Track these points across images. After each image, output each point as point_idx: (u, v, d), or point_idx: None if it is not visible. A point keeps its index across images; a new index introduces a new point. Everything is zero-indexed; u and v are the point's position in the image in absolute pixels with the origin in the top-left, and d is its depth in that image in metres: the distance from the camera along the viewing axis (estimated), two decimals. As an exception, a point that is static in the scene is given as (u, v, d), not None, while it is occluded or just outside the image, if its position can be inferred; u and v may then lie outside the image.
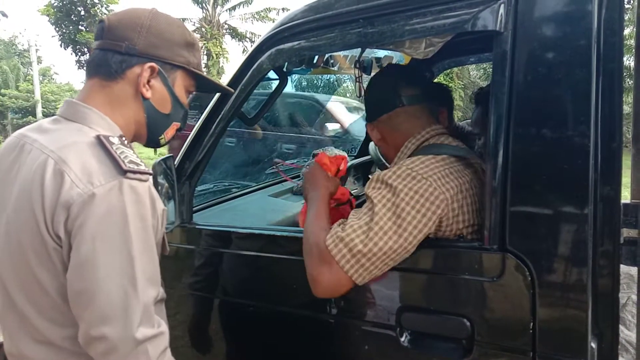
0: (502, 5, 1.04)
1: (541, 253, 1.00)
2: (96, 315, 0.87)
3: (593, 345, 0.98)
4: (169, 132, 1.12)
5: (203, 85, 1.16)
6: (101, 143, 0.92)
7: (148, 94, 1.02)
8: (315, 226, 1.20)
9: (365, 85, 1.58)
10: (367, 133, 3.12)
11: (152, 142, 1.12)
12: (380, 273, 1.09)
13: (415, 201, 1.08)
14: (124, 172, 0.89)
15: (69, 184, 0.87)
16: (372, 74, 2.17)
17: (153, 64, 1.01)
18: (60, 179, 0.87)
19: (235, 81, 1.42)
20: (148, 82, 1.02)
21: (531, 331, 1.01)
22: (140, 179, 0.91)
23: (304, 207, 1.49)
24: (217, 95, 1.46)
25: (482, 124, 1.88)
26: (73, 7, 15.44)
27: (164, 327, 0.96)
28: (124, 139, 0.98)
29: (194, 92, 1.17)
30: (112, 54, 1.00)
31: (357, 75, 2.03)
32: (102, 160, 0.90)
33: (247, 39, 23.74)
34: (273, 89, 1.83)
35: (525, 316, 1.01)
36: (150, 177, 0.95)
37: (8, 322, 0.98)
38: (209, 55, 21.88)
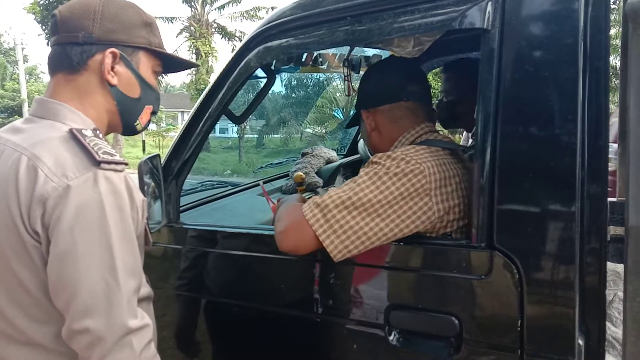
0: (490, 3, 1.04)
1: (529, 251, 1.01)
2: (79, 308, 0.86)
3: (580, 342, 0.98)
4: (144, 117, 1.10)
5: (169, 64, 1.14)
6: (74, 136, 0.91)
7: (114, 80, 1.01)
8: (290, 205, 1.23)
9: (356, 81, 1.58)
10: (357, 132, 3.15)
11: (128, 129, 1.10)
12: (357, 248, 1.08)
13: (404, 180, 1.09)
14: (98, 163, 0.88)
15: (43, 178, 0.86)
16: (361, 72, 2.17)
17: (113, 49, 0.99)
18: (34, 174, 0.86)
19: (222, 79, 1.41)
20: (112, 68, 1.00)
21: (519, 329, 1.01)
22: (115, 169, 0.91)
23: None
24: (205, 93, 1.44)
25: (457, 92, 1.91)
26: (59, 5, 15.30)
27: (148, 320, 0.95)
28: (97, 131, 0.97)
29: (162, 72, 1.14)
30: (71, 46, 0.98)
31: (346, 74, 2.03)
32: (76, 153, 0.90)
33: (237, 38, 23.61)
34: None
35: (513, 314, 1.01)
36: (126, 167, 0.94)
37: None
38: (197, 54, 21.76)
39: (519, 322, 1.01)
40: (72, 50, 0.98)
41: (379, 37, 1.21)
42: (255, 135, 21.00)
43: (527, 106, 1.01)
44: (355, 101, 1.53)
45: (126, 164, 0.94)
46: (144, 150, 20.13)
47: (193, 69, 20.61)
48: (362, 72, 2.23)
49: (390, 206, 1.08)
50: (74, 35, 0.98)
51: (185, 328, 1.59)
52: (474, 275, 1.05)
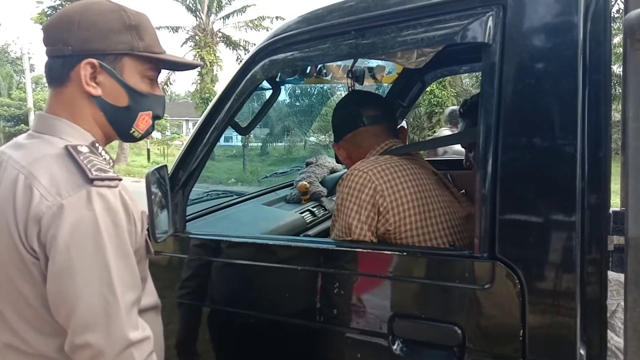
0: (491, 18, 1.06)
1: (530, 261, 1.02)
2: (79, 323, 0.88)
3: (582, 351, 0.99)
4: (141, 124, 1.07)
5: (164, 66, 1.10)
6: (69, 153, 0.92)
7: (96, 91, 0.98)
8: None
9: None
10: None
11: (125, 137, 1.08)
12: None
13: (350, 194, 1.31)
14: (90, 181, 0.89)
15: (38, 197, 0.87)
16: (365, 83, 2.20)
17: (91, 59, 0.96)
18: (30, 193, 0.88)
19: (228, 91, 1.43)
20: (95, 78, 0.98)
21: (521, 338, 1.02)
22: (109, 185, 0.91)
23: None
24: (211, 104, 1.47)
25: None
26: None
27: (149, 332, 0.96)
28: (97, 145, 0.98)
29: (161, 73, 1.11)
30: (54, 59, 0.98)
31: (349, 85, 2.06)
32: (70, 170, 0.90)
33: (241, 47, 23.77)
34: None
35: (515, 323, 1.02)
36: (120, 182, 0.95)
37: (0, 338, 0.98)
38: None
39: (521, 331, 1.02)
40: (55, 63, 0.98)
41: (383, 50, 1.23)
42: (259, 144, 21.06)
43: (528, 118, 1.03)
44: None
45: (120, 180, 0.95)
46: (148, 158, 20.19)
47: (198, 77, 20.72)
48: (365, 83, 2.26)
49: (350, 210, 1.31)
50: (55, 48, 0.97)
51: (191, 336, 1.60)
52: (476, 285, 1.06)
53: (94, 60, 0.97)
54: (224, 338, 1.56)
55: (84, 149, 0.94)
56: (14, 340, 0.95)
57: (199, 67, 1.29)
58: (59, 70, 0.98)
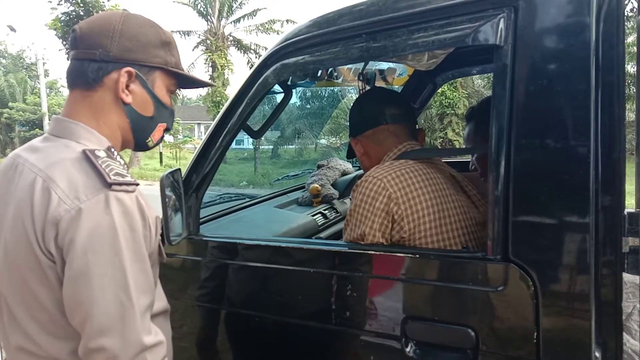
0: (502, 20, 1.06)
1: (544, 263, 1.01)
2: (94, 327, 0.88)
3: (597, 354, 0.98)
4: (156, 135, 1.11)
5: (185, 83, 1.15)
6: (87, 158, 0.92)
7: (128, 99, 1.01)
8: None
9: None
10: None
11: (140, 146, 1.11)
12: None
13: (364, 201, 1.30)
14: (109, 185, 0.89)
15: (56, 201, 0.88)
16: (377, 85, 2.20)
17: (130, 68, 1.00)
18: (48, 196, 0.88)
19: (241, 95, 1.44)
20: (127, 87, 1.01)
21: (535, 341, 1.01)
22: (126, 190, 0.92)
23: None
24: (224, 109, 1.48)
25: (473, 141, 1.92)
26: (79, 22, 15.67)
27: (162, 337, 0.97)
28: (112, 150, 0.99)
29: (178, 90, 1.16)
30: (88, 62, 0.99)
31: (360, 88, 2.07)
32: (88, 174, 0.91)
33: (252, 51, 23.88)
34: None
35: (529, 326, 1.02)
36: (137, 187, 0.96)
37: (13, 341, 0.99)
38: (214, 67, 22.01)
39: (535, 334, 1.01)
40: (89, 66, 0.99)
41: (394, 53, 1.24)
42: (271, 147, 21.13)
43: (541, 119, 1.03)
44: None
45: (137, 184, 0.96)
46: (161, 162, 20.37)
47: (209, 80, 20.83)
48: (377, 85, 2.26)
49: (365, 218, 1.30)
50: (92, 52, 0.98)
51: (204, 338, 1.61)
52: (489, 287, 1.06)
53: (132, 69, 1.00)
54: (237, 339, 1.57)
55: (102, 154, 0.95)
56: (27, 344, 0.96)
57: (209, 80, 1.31)
58: (93, 74, 0.99)
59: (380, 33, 1.22)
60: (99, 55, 0.98)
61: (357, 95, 2.10)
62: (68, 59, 1.07)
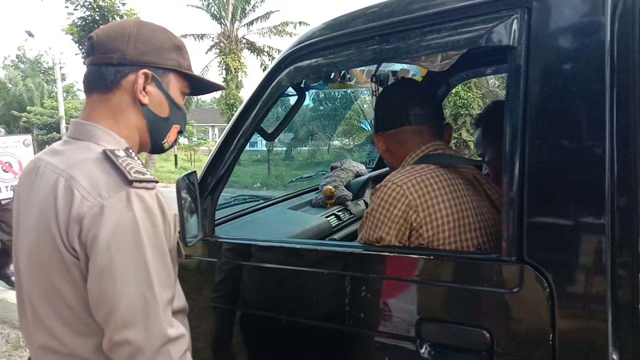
0: (515, 21, 1.05)
1: (559, 264, 1.01)
2: (118, 321, 0.90)
3: (615, 356, 0.97)
4: (171, 136, 1.14)
5: (197, 86, 1.18)
6: (107, 157, 0.95)
7: (145, 99, 1.05)
8: None
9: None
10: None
11: (156, 147, 1.15)
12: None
13: (382, 207, 1.29)
14: (130, 183, 0.92)
15: (79, 199, 0.90)
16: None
17: (146, 70, 1.04)
18: (71, 195, 0.91)
19: (255, 98, 1.46)
20: (144, 88, 1.04)
21: (551, 342, 1.01)
22: (146, 187, 0.94)
23: None
24: (238, 112, 1.50)
25: (482, 145, 1.91)
26: (95, 26, 15.86)
27: (183, 330, 0.99)
28: (130, 150, 1.02)
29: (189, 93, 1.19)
30: (105, 67, 1.03)
31: (373, 89, 2.07)
32: (109, 173, 0.94)
33: (265, 53, 24.00)
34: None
35: (545, 328, 1.01)
36: (157, 185, 0.98)
37: (36, 339, 1.01)
38: (227, 69, 22.17)
39: (551, 335, 1.01)
40: (106, 70, 1.03)
41: (407, 55, 1.24)
42: (284, 148, 21.19)
43: (555, 120, 1.02)
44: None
45: (157, 182, 0.98)
46: (176, 164, 20.55)
47: (223, 84, 20.95)
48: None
49: (381, 223, 1.29)
50: (109, 56, 1.02)
51: (220, 339, 1.63)
52: (504, 288, 1.05)
53: (148, 71, 1.04)
54: (252, 340, 1.58)
55: (121, 153, 0.98)
56: (50, 341, 0.98)
57: (220, 83, 1.34)
58: (110, 77, 1.03)
59: (394, 35, 1.23)
60: (116, 58, 1.02)
61: (370, 97, 2.11)
62: (85, 65, 1.10)
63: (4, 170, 4.53)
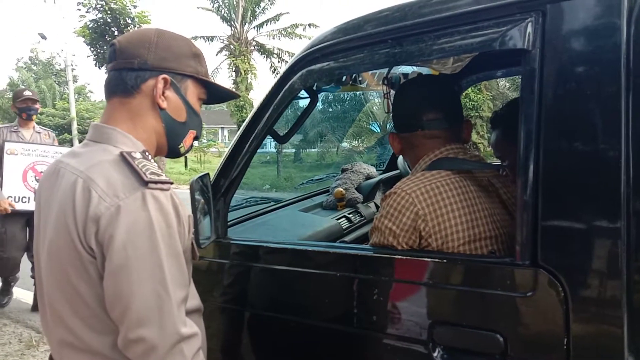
0: (530, 24, 1.05)
1: (573, 268, 1.00)
2: (133, 318, 0.92)
3: (630, 361, 0.97)
4: (187, 141, 1.17)
5: (213, 92, 1.21)
6: (124, 159, 0.98)
7: (164, 104, 1.08)
8: None
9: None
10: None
11: (173, 151, 1.17)
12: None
13: (392, 215, 1.29)
14: (145, 184, 0.94)
15: (96, 199, 0.93)
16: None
17: (165, 75, 1.07)
18: (88, 195, 0.93)
19: (267, 101, 1.47)
20: (163, 93, 1.07)
21: (565, 347, 1.00)
22: (161, 188, 0.97)
23: None
24: (251, 115, 1.51)
25: (502, 146, 1.88)
26: (107, 28, 15.99)
27: (197, 329, 1.01)
28: (147, 153, 1.04)
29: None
30: (126, 72, 1.06)
31: (385, 92, 2.07)
32: (126, 174, 0.96)
33: (275, 55, 24.08)
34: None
35: (559, 332, 1.01)
36: (171, 186, 1.01)
37: (56, 335, 1.04)
38: (237, 71, 22.25)
39: (565, 340, 1.00)
40: (127, 75, 1.06)
41: (420, 58, 1.24)
42: (293, 150, 21.22)
43: (570, 123, 1.01)
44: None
45: (171, 183, 1.01)
46: (186, 166, 20.67)
47: (233, 86, 21.06)
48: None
49: (390, 230, 1.29)
50: (130, 61, 1.06)
51: (236, 340, 1.63)
52: (518, 292, 1.05)
53: (168, 77, 1.08)
54: (265, 342, 1.59)
55: (138, 155, 1.00)
56: (69, 337, 1.00)
57: (235, 91, 1.35)
58: (131, 82, 1.06)
59: (406, 38, 1.23)
60: (137, 64, 1.06)
61: (380, 99, 2.10)
62: (105, 70, 1.12)
63: (37, 180, 4.11)
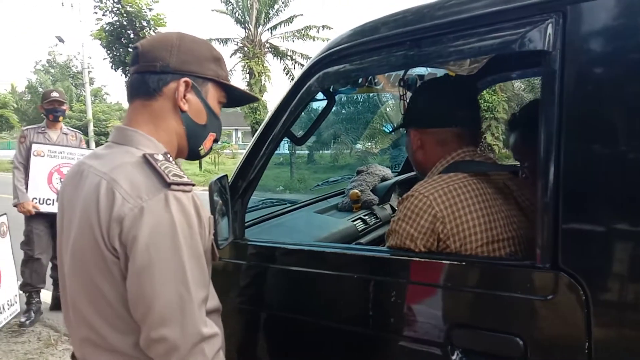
0: (550, 25, 1.05)
1: (595, 271, 0.99)
2: (156, 318, 0.93)
3: (653, 366, 0.96)
4: (207, 143, 1.18)
5: (233, 96, 1.22)
6: (147, 161, 0.99)
7: (185, 107, 1.09)
8: None
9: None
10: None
11: (193, 154, 1.18)
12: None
13: (409, 217, 1.28)
14: (168, 185, 0.95)
15: (120, 200, 0.94)
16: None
17: (187, 78, 1.08)
18: (112, 196, 0.95)
19: (285, 103, 1.48)
20: (184, 95, 1.08)
21: (587, 351, 0.99)
22: (183, 190, 0.98)
23: None
24: (268, 117, 1.52)
25: (522, 149, 1.85)
26: (123, 31, 16.16)
27: (217, 329, 1.02)
28: (168, 155, 1.05)
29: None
30: (149, 75, 1.08)
31: (401, 94, 2.07)
32: (149, 176, 0.97)
33: (288, 57, 24.14)
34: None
35: (580, 336, 1.00)
36: (193, 188, 1.01)
37: (79, 333, 1.06)
38: (251, 73, 22.35)
39: (587, 344, 0.99)
40: (149, 78, 1.08)
41: (437, 60, 1.24)
42: (306, 152, 21.22)
43: (592, 125, 1.01)
44: (403, 114, 1.58)
45: (193, 185, 1.02)
46: (200, 167, 20.77)
47: (247, 87, 21.15)
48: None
49: (407, 232, 1.28)
50: (153, 64, 1.07)
51: (248, 341, 1.64)
52: (538, 296, 1.04)
53: (189, 80, 1.09)
54: (281, 343, 1.59)
55: (160, 157, 1.01)
56: (91, 335, 1.02)
57: (256, 100, 1.37)
58: (153, 84, 1.08)
59: (424, 40, 1.23)
60: (159, 67, 1.07)
61: (393, 101, 2.10)
62: (129, 74, 1.14)
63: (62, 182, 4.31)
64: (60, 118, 4.12)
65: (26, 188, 3.86)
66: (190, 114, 1.11)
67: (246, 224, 1.70)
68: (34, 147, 3.92)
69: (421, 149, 1.47)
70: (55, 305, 4.25)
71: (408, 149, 1.53)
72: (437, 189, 1.28)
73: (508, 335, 1.08)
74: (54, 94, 4.07)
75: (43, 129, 4.08)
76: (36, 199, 3.88)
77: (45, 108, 4.04)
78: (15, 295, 3.62)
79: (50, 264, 4.05)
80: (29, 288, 3.94)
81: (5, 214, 3.97)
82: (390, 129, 2.08)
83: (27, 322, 3.85)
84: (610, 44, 1.00)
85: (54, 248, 3.95)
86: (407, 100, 2.00)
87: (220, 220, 1.43)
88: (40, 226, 3.92)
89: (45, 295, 4.30)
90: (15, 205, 3.83)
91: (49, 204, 3.93)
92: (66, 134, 4.20)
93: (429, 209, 1.26)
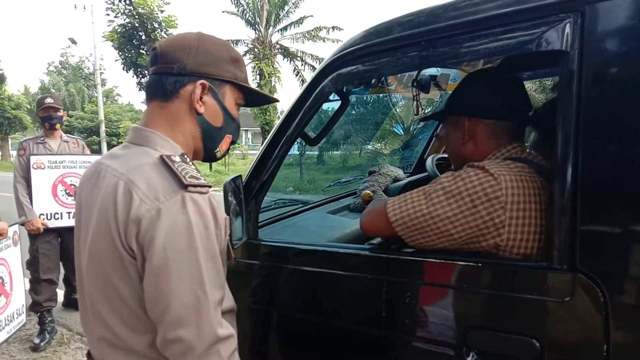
0: (568, 25, 1.04)
1: (614, 273, 0.98)
2: (172, 319, 0.94)
3: (672, 370, 0.94)
4: (224, 146, 1.18)
5: (251, 98, 1.21)
6: (164, 162, 0.99)
7: (201, 109, 1.09)
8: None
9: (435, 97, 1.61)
10: (424, 149, 3.13)
11: (209, 156, 1.18)
12: (412, 221, 1.22)
13: (468, 190, 1.16)
14: (185, 187, 0.96)
15: (137, 201, 0.94)
16: (430, 92, 2.19)
17: (203, 80, 1.08)
18: (130, 197, 0.95)
19: (299, 104, 1.48)
20: (201, 98, 1.08)
21: (605, 354, 0.98)
22: (200, 191, 0.98)
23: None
24: (282, 118, 1.52)
25: (544, 146, 1.83)
26: (135, 33, 16.32)
27: (232, 330, 1.02)
28: (185, 156, 1.05)
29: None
30: (166, 76, 1.08)
31: (414, 94, 2.06)
32: (166, 177, 0.97)
33: (298, 58, 24.19)
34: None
35: (598, 338, 0.99)
36: (210, 189, 1.01)
37: (95, 332, 1.06)
38: (261, 74, 22.42)
39: (605, 347, 0.98)
40: (167, 79, 1.08)
41: (452, 60, 1.23)
42: (315, 152, 21.22)
43: (611, 125, 1.00)
44: (447, 102, 1.50)
45: (210, 187, 1.02)
46: (210, 167, 20.85)
47: (256, 88, 21.23)
48: (431, 92, 2.25)
49: (455, 200, 1.17)
50: (170, 66, 1.07)
51: (260, 341, 1.65)
52: (555, 297, 1.03)
53: (206, 82, 1.09)
54: (293, 344, 1.60)
55: (177, 159, 1.02)
56: (108, 334, 1.03)
57: (275, 101, 1.36)
58: (170, 86, 1.08)
59: (439, 41, 1.22)
60: (176, 69, 1.07)
61: (404, 101, 2.09)
62: (148, 75, 1.14)
63: (68, 194, 3.88)
64: (57, 125, 3.85)
65: (31, 203, 3.64)
66: (206, 116, 1.11)
67: (259, 224, 1.70)
68: (32, 159, 3.68)
69: (471, 140, 1.37)
70: (67, 303, 4.28)
71: (451, 140, 1.43)
72: (509, 172, 1.17)
73: (524, 337, 1.07)
74: (48, 100, 3.80)
75: (42, 138, 3.84)
76: (43, 214, 3.68)
77: (41, 116, 3.79)
78: (22, 306, 3.48)
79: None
80: (39, 308, 3.74)
81: (17, 224, 3.61)
82: (428, 115, 1.92)
83: (42, 343, 3.61)
84: (628, 44, 0.99)
85: (66, 258, 3.84)
86: (420, 102, 1.98)
87: (234, 220, 1.43)
88: (47, 245, 3.72)
89: (58, 294, 4.34)
90: (22, 224, 3.59)
91: (57, 218, 3.76)
92: (67, 142, 3.97)
93: (496, 192, 1.14)
